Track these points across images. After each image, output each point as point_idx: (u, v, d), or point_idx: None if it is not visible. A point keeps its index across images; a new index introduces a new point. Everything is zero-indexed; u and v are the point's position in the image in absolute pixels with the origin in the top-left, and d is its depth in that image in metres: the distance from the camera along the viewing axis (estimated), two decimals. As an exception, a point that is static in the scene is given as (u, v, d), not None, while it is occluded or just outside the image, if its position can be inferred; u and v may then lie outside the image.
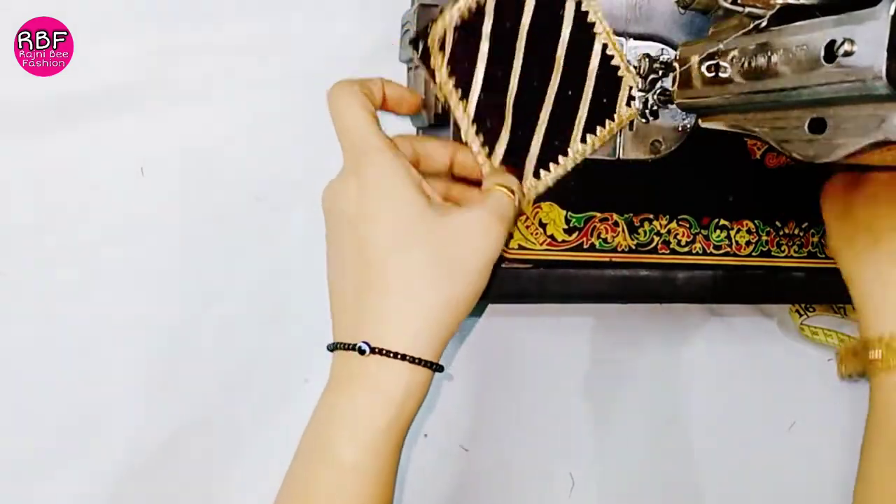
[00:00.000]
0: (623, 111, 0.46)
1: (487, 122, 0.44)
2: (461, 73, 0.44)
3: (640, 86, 0.45)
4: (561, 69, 0.45)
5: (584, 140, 0.45)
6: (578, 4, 0.44)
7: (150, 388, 0.50)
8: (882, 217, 0.47)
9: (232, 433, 0.52)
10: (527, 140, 0.45)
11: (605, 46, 0.45)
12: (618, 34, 0.46)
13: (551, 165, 0.45)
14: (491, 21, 0.43)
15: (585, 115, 0.45)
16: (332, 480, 0.37)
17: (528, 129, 0.45)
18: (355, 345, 0.38)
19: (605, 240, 0.47)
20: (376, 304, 0.38)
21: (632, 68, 0.45)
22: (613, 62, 0.45)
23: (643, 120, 0.46)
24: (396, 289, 0.38)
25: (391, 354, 0.37)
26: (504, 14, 0.44)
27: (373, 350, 0.38)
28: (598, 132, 0.45)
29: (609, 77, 0.45)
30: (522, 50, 0.44)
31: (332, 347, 0.40)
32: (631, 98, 0.46)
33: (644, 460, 0.59)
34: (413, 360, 0.38)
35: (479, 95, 0.44)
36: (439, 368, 0.39)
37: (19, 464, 0.49)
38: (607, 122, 0.46)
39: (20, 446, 0.49)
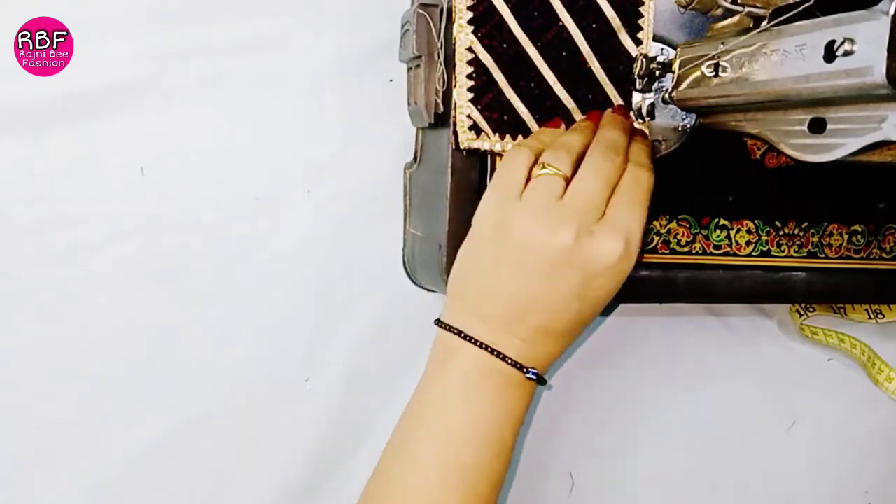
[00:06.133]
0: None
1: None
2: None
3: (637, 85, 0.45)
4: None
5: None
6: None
7: (149, 388, 0.50)
8: None
9: (232, 432, 0.52)
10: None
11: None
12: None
13: None
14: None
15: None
16: (504, 461, 0.43)
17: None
18: (525, 368, 0.42)
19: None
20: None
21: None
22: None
23: (641, 120, 0.46)
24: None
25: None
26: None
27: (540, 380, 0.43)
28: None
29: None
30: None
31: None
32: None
33: (643, 460, 0.59)
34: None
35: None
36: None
37: (19, 463, 0.49)
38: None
39: (20, 446, 0.49)
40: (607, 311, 0.56)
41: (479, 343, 0.41)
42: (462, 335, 0.42)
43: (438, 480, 0.41)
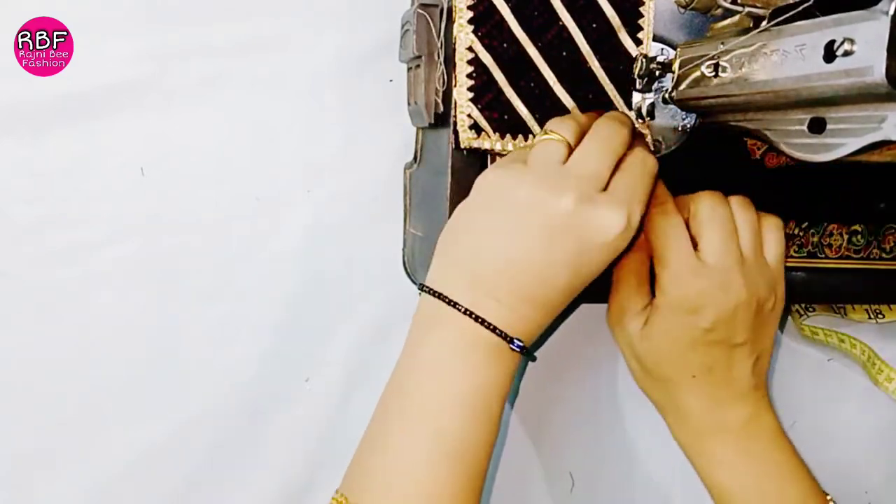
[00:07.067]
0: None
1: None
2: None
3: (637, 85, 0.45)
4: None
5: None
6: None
7: (149, 389, 0.50)
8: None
9: (232, 433, 0.52)
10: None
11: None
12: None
13: None
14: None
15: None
16: (490, 434, 0.41)
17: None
18: (511, 338, 0.40)
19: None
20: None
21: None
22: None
23: (640, 120, 0.46)
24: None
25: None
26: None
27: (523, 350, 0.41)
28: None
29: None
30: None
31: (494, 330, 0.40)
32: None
33: (644, 460, 0.59)
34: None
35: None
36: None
37: (19, 463, 0.49)
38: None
39: (20, 446, 0.49)
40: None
41: (461, 308, 0.40)
42: (445, 300, 0.40)
43: (423, 454, 0.39)
